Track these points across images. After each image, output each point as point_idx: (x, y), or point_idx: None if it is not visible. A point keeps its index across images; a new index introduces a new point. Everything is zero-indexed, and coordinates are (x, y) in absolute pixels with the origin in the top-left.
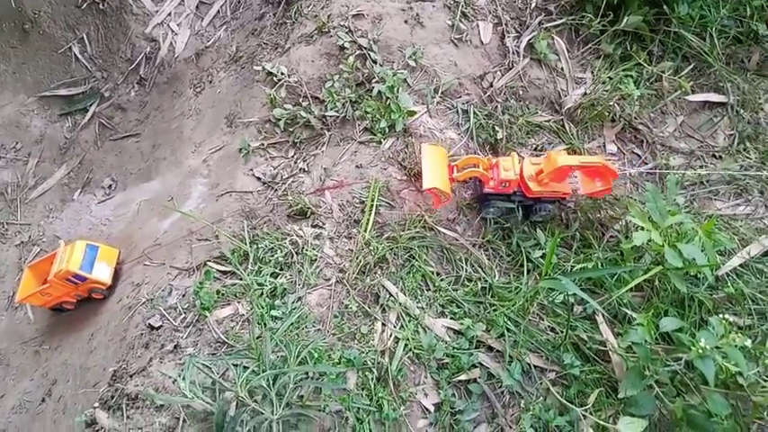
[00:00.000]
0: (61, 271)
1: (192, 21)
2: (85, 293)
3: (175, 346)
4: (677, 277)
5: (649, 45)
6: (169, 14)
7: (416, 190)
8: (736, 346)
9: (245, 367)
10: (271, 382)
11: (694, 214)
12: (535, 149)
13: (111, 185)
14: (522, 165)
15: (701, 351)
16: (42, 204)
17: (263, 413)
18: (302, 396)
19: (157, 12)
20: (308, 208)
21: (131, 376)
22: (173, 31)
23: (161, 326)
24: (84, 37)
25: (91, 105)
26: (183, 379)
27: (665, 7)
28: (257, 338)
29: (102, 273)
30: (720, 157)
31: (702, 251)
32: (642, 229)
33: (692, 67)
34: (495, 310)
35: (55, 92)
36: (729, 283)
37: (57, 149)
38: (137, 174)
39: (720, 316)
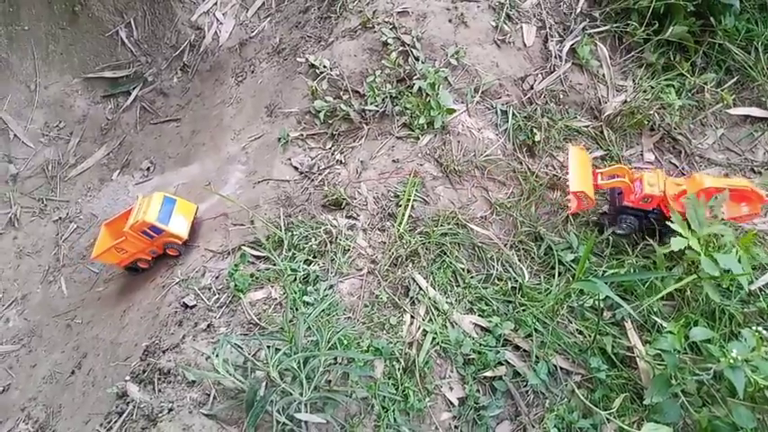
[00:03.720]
0: (137, 222)
1: (237, 11)
2: (161, 249)
3: (209, 325)
4: (711, 287)
5: (693, 56)
6: (215, 4)
7: (448, 185)
8: (767, 359)
9: (276, 349)
10: (302, 364)
11: (732, 227)
12: None
13: (149, 168)
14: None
15: (732, 361)
16: (81, 183)
17: (292, 394)
18: (330, 381)
19: (204, 0)
20: (344, 199)
21: (164, 352)
22: (218, 20)
23: (195, 305)
24: (132, 22)
25: (134, 89)
26: (217, 356)
27: (711, 19)
28: (289, 322)
29: (179, 226)
30: (759, 172)
31: (739, 263)
32: (680, 235)
33: (735, 80)
34: (524, 310)
35: (100, 74)
36: (762, 298)
37: (98, 130)
38: (175, 158)
39: (753, 328)
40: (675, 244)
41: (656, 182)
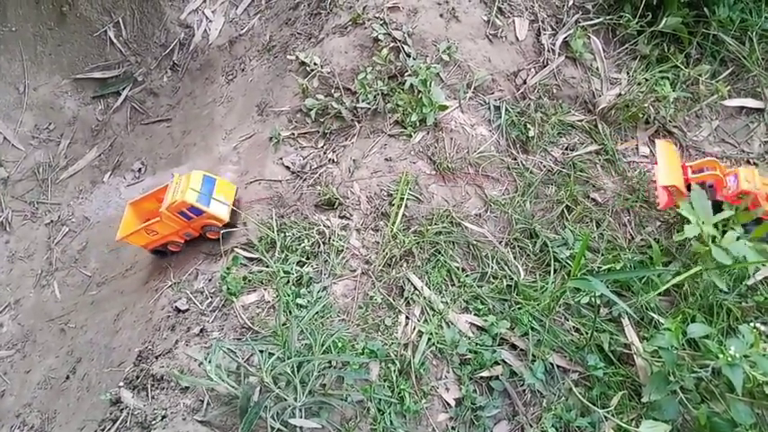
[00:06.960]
0: (176, 202)
1: (226, 8)
2: (197, 231)
3: (201, 330)
4: (717, 276)
5: (687, 47)
6: (204, 1)
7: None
8: (765, 355)
9: (270, 353)
10: (295, 368)
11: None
12: (566, 149)
13: (140, 169)
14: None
15: (730, 358)
16: (73, 185)
17: (286, 399)
18: (325, 385)
19: None
20: (336, 198)
21: (157, 357)
22: (207, 18)
23: (187, 309)
24: (120, 21)
25: (124, 89)
26: (209, 362)
27: (704, 9)
28: (282, 325)
29: (219, 208)
30: (755, 163)
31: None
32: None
33: (729, 71)
34: (519, 309)
35: (89, 74)
36: (760, 292)
37: (88, 131)
38: (167, 158)
39: (751, 324)
40: (689, 231)
41: (753, 179)
